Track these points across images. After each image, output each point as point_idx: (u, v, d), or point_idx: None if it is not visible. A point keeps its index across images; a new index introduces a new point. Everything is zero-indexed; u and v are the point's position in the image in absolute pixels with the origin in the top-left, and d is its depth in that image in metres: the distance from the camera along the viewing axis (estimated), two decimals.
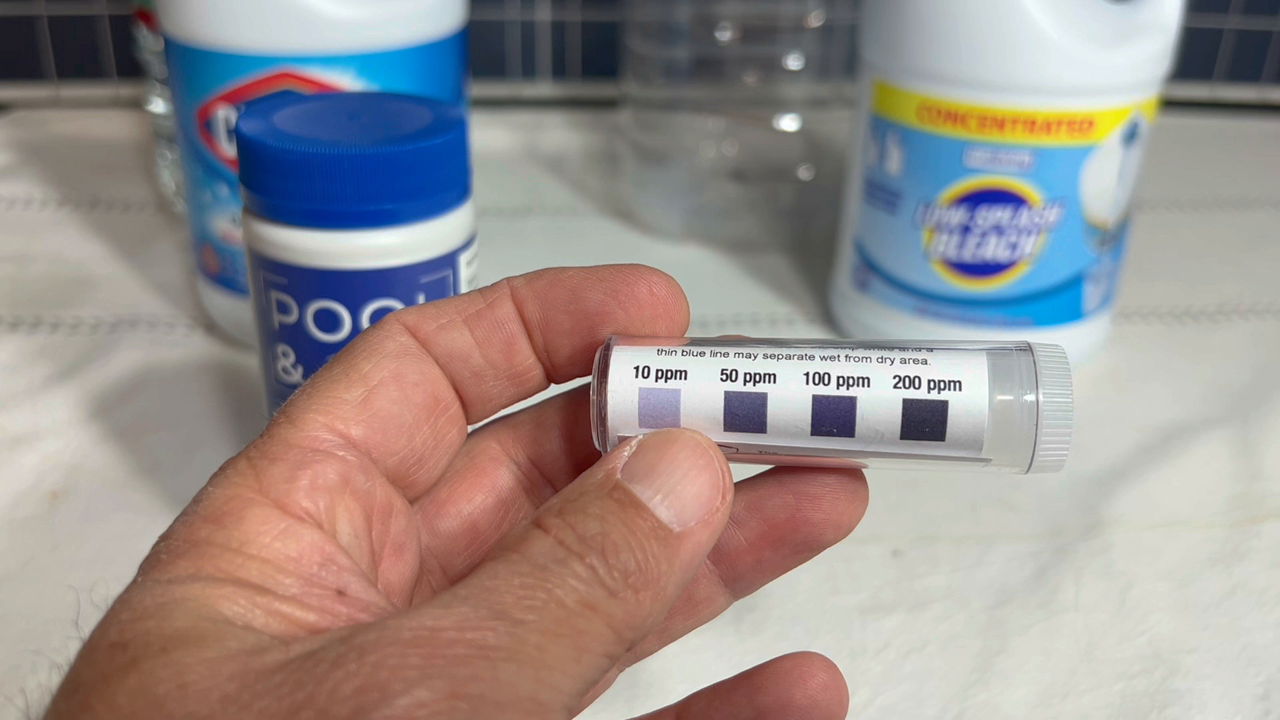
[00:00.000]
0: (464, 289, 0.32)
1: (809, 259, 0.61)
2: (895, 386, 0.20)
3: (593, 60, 0.83)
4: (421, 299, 0.31)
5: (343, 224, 0.29)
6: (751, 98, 0.64)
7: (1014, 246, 0.47)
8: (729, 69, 0.63)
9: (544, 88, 0.84)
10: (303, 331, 0.31)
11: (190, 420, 0.46)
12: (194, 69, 0.45)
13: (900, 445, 0.20)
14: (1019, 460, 0.20)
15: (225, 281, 0.49)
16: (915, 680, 0.35)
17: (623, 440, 0.20)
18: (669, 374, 0.20)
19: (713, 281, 0.59)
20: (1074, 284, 0.48)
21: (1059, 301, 0.48)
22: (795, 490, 0.21)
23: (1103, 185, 0.46)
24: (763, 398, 0.20)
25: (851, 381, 0.20)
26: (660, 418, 0.20)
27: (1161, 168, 0.70)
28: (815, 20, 0.61)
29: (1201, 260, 0.63)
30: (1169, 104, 0.76)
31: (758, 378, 0.20)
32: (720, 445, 0.20)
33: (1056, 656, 0.36)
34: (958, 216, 0.47)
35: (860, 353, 0.20)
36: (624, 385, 0.20)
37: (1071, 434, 0.20)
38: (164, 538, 0.18)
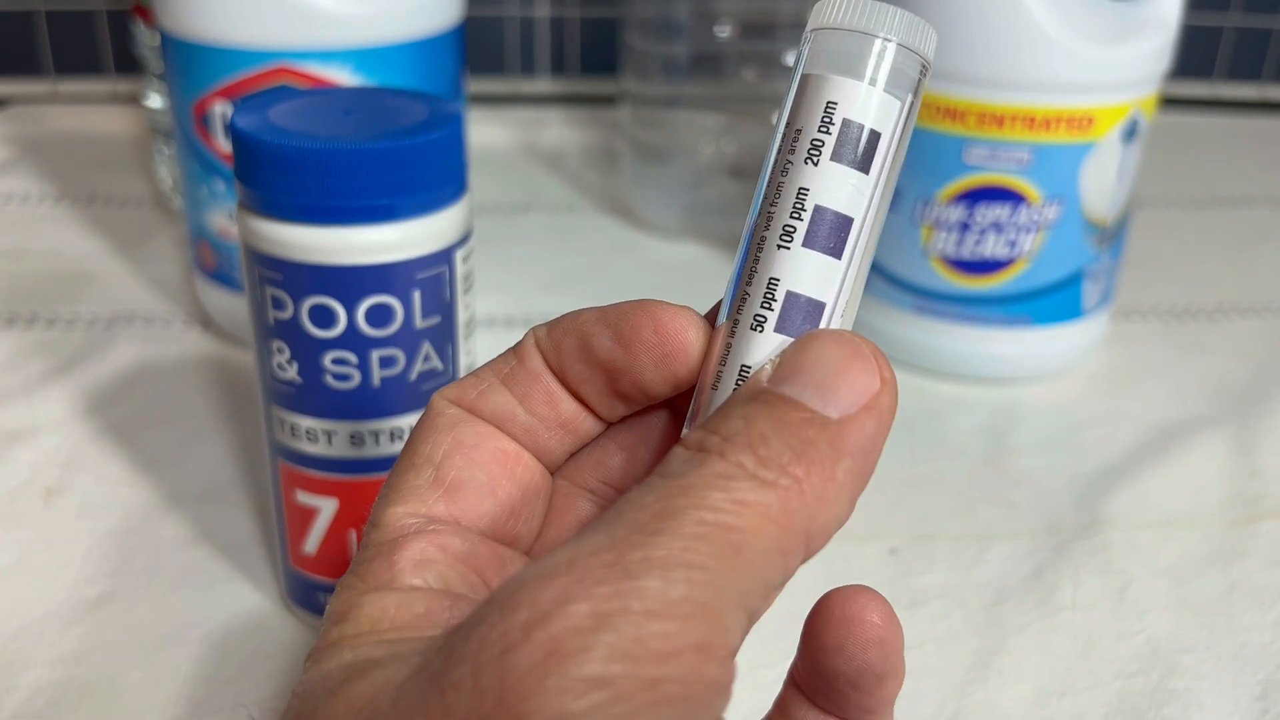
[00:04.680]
0: (460, 285, 0.32)
1: None
2: (808, 161, 0.19)
3: (591, 57, 0.83)
4: (417, 295, 0.31)
5: (338, 219, 0.29)
6: (750, 94, 0.64)
7: (1013, 244, 0.47)
8: (728, 65, 0.63)
9: (543, 84, 0.83)
10: (297, 327, 0.30)
11: (186, 416, 0.46)
12: (191, 64, 0.45)
13: (883, 168, 0.19)
14: (918, 61, 0.20)
15: (222, 277, 0.49)
16: (912, 678, 0.34)
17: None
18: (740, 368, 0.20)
19: (710, 278, 0.59)
20: (1073, 281, 0.48)
21: (1058, 299, 0.48)
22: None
23: (1102, 183, 0.46)
24: (795, 298, 0.19)
25: (803, 199, 0.19)
26: None
27: (1161, 166, 0.70)
28: None
29: (1200, 258, 0.63)
30: (1169, 102, 0.76)
31: (770, 301, 0.19)
32: None
33: (1054, 655, 0.35)
34: (956, 214, 0.47)
35: (760, 196, 0.20)
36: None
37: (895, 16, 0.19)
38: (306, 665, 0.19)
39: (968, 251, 0.47)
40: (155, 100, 0.63)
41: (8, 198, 0.65)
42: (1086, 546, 0.40)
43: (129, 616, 0.36)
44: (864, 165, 0.19)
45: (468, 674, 0.15)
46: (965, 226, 0.47)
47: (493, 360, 0.22)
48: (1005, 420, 0.47)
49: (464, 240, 0.32)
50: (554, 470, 0.22)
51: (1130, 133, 0.46)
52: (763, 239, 0.20)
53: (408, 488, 0.20)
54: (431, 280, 0.31)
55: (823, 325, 0.19)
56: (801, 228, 0.19)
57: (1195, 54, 0.85)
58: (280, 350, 0.31)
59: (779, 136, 0.20)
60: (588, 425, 0.22)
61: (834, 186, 0.19)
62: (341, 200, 0.29)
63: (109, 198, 0.65)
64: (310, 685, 0.18)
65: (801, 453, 0.17)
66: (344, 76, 0.44)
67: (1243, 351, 0.54)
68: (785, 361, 0.18)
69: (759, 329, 0.19)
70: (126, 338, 0.51)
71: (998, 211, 0.46)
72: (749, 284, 0.20)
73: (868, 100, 0.19)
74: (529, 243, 0.63)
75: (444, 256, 0.31)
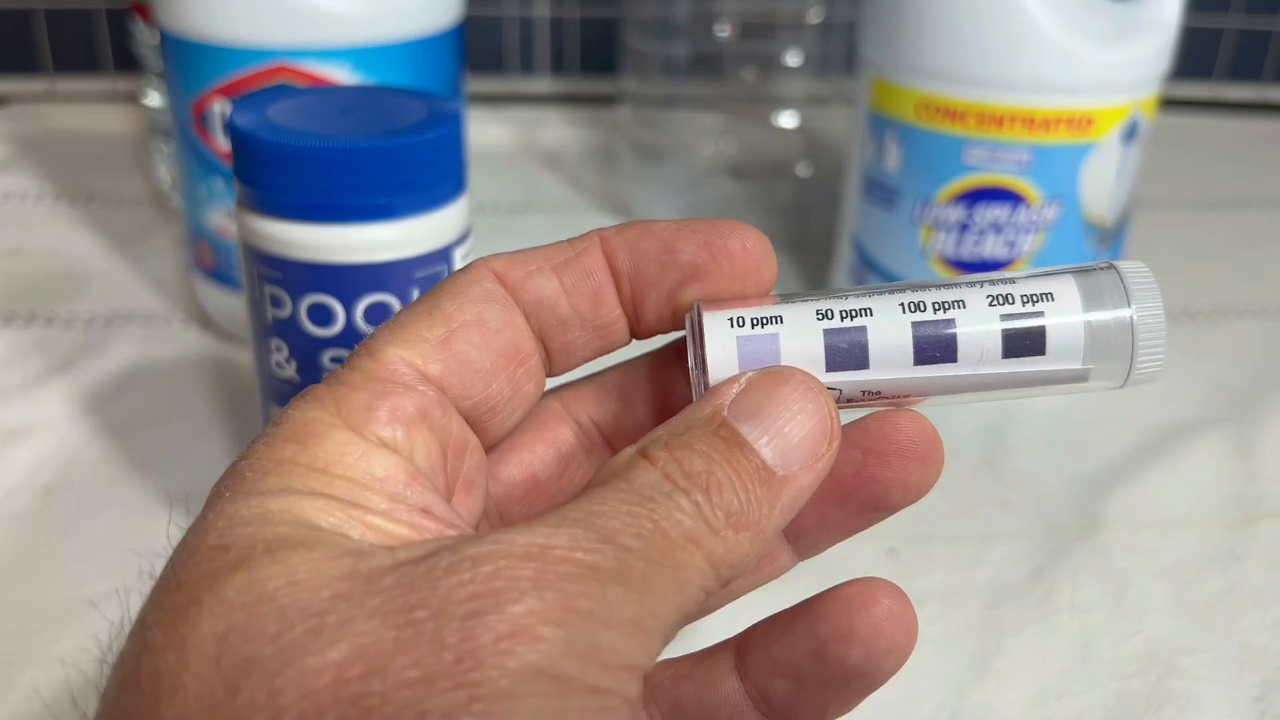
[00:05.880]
0: None
1: (807, 256, 0.61)
2: (991, 305, 0.20)
3: (591, 56, 0.83)
4: (415, 294, 0.31)
5: (336, 218, 0.29)
6: (750, 94, 0.64)
7: (1012, 244, 0.47)
8: (727, 65, 0.63)
9: (542, 84, 0.83)
10: (296, 325, 0.30)
11: (185, 415, 0.46)
12: (190, 62, 0.45)
13: (1002, 365, 0.20)
14: (1116, 374, 0.20)
15: (220, 276, 0.49)
16: (910, 680, 0.35)
17: (731, 378, 0.20)
18: (765, 320, 0.20)
19: None
20: None
21: None
22: (863, 447, 0.21)
23: (1102, 183, 0.46)
24: (862, 331, 0.20)
25: (948, 305, 0.20)
26: (761, 364, 0.20)
27: (1161, 167, 0.70)
28: (814, 17, 0.61)
29: (1200, 260, 0.63)
30: (1169, 103, 0.76)
31: (854, 313, 0.20)
32: None
33: (1052, 657, 0.35)
34: (956, 214, 0.47)
35: (948, 281, 0.21)
36: (721, 336, 0.20)
37: (1164, 347, 0.20)
38: (245, 457, 0.19)
39: (967, 252, 0.47)
40: (154, 99, 0.63)
41: (6, 196, 0.65)
42: (1085, 548, 0.40)
43: (127, 616, 0.36)
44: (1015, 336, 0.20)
45: (428, 619, 0.15)
46: (964, 227, 0.47)
47: (547, 246, 0.22)
48: (1004, 421, 0.47)
49: (463, 239, 0.32)
50: (564, 371, 0.22)
51: (1130, 134, 0.46)
52: (903, 296, 0.20)
53: (416, 336, 0.20)
54: (430, 279, 0.31)
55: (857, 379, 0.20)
56: (935, 324, 0.20)
57: (1195, 55, 0.85)
58: (279, 349, 0.31)
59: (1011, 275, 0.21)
60: (619, 336, 0.22)
61: (975, 318, 0.20)
62: (340, 199, 0.29)
63: (107, 196, 0.65)
64: (248, 512, 0.17)
65: (746, 508, 0.18)
66: (343, 75, 0.44)
67: (1242, 353, 0.54)
68: (751, 392, 0.19)
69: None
70: (125, 336, 0.51)
71: (997, 212, 0.46)
72: (833, 296, 0.21)
73: (1037, 299, 0.20)
74: (528, 242, 0.62)
75: (443, 255, 0.31)
